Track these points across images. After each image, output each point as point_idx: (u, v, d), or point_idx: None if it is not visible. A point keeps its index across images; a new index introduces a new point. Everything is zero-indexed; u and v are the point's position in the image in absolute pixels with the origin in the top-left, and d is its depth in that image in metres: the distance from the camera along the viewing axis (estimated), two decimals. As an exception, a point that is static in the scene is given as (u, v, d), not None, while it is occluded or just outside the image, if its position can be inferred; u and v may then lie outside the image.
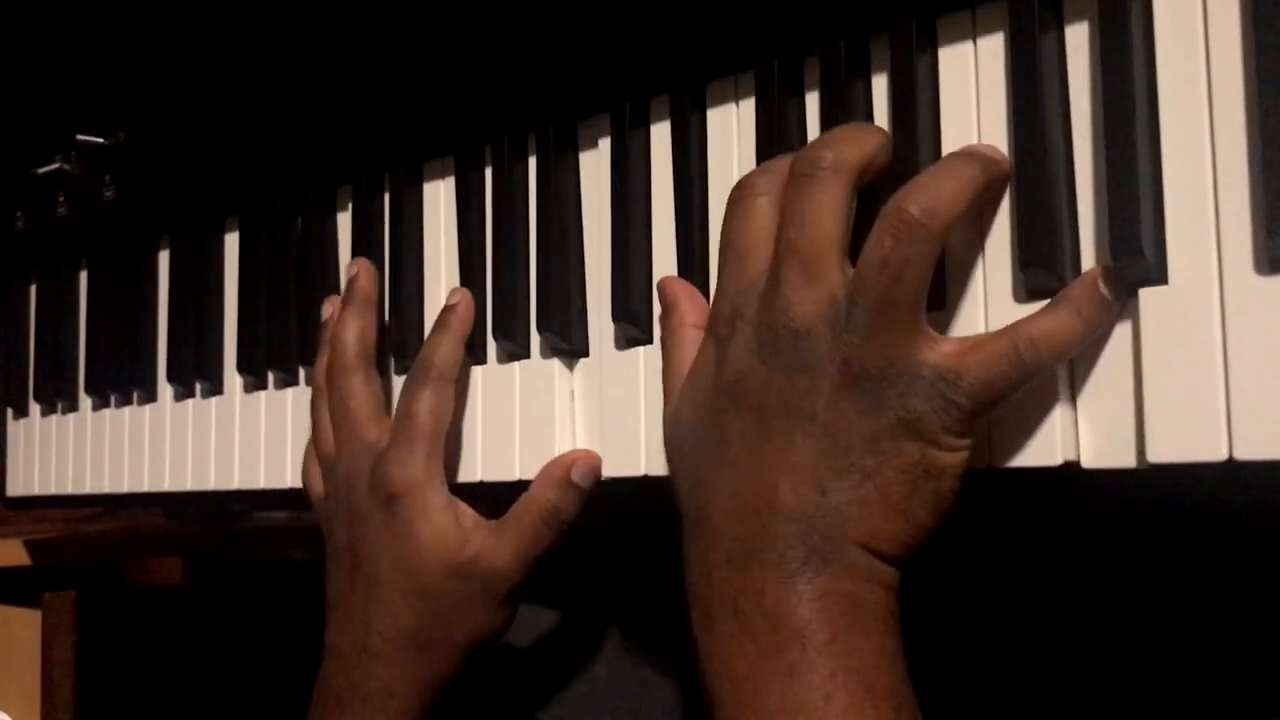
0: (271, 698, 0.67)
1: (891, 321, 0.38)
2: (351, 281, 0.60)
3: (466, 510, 0.54)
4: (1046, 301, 0.38)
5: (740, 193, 0.43)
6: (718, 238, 0.49)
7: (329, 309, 0.61)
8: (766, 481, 0.39)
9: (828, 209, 0.40)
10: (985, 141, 0.41)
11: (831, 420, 0.39)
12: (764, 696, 0.38)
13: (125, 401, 0.78)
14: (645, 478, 0.50)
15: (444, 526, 0.53)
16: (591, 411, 0.53)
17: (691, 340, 0.46)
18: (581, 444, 0.53)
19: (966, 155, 0.40)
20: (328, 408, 0.58)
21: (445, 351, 0.55)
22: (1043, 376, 0.38)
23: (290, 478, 0.65)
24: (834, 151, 0.40)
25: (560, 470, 0.52)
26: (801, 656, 0.38)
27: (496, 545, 0.52)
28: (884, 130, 0.43)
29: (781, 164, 0.43)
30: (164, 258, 0.76)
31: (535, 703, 0.64)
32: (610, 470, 0.52)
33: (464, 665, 0.54)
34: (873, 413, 0.38)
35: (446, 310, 0.56)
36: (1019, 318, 0.39)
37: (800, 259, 0.40)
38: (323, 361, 0.60)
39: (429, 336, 0.56)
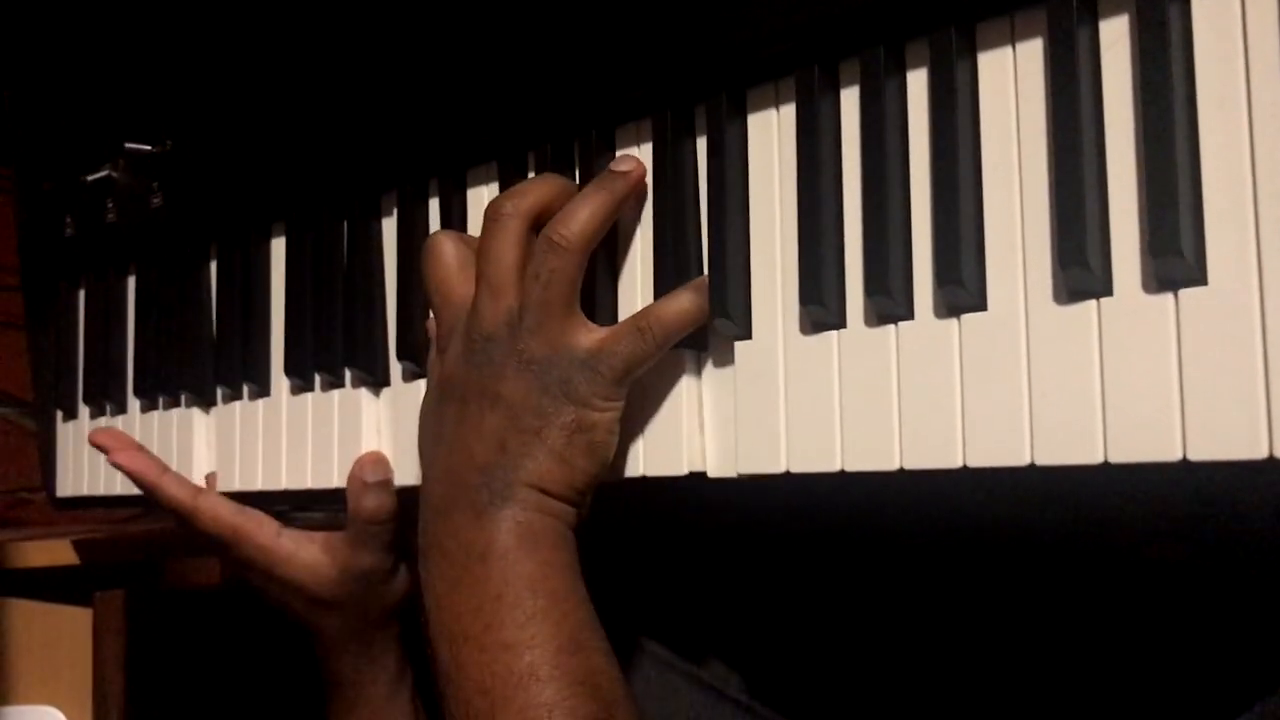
0: (309, 692, 0.69)
1: (550, 317, 0.51)
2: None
3: None
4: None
5: (430, 251, 0.56)
6: (757, 238, 0.50)
7: None
8: (465, 448, 0.51)
9: (508, 244, 0.52)
10: (1025, 146, 0.42)
11: (510, 396, 0.51)
12: (455, 601, 0.50)
13: (173, 404, 0.79)
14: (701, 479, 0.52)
15: None
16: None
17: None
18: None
19: (598, 184, 0.52)
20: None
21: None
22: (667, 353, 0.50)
23: (337, 479, 0.66)
24: (512, 201, 0.52)
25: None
26: (483, 570, 0.50)
27: None
28: (559, 180, 0.54)
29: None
30: (211, 263, 0.77)
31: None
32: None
33: None
34: (539, 387, 0.50)
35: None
36: (1069, 313, 0.40)
37: (488, 284, 0.52)
38: None
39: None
